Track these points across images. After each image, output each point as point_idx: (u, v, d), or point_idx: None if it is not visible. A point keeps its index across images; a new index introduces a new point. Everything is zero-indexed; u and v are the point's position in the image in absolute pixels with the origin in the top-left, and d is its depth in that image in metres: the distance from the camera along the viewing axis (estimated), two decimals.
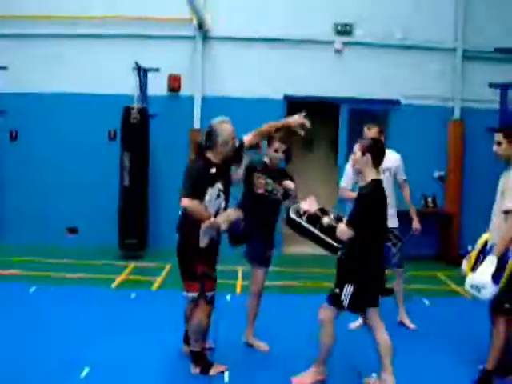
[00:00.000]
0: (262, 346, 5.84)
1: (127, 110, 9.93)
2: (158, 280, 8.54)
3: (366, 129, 6.62)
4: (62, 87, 10.60)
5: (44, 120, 10.71)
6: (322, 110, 11.61)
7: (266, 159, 5.76)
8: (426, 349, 5.99)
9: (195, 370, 5.18)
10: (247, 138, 5.42)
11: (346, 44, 10.97)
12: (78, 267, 9.13)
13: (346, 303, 4.68)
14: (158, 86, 10.57)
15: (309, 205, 4.94)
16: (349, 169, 6.28)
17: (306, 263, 9.92)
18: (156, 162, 10.54)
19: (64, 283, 8.17)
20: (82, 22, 10.58)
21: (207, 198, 4.97)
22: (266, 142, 5.72)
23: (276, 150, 5.65)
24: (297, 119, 5.62)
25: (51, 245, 10.20)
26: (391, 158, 6.49)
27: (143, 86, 10.37)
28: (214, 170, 5.00)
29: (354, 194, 5.19)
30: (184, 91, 10.84)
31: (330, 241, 4.79)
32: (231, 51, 10.85)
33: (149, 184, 10.38)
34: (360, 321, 5.87)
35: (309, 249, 10.22)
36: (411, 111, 10.64)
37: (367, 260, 4.67)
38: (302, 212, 4.92)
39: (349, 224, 4.66)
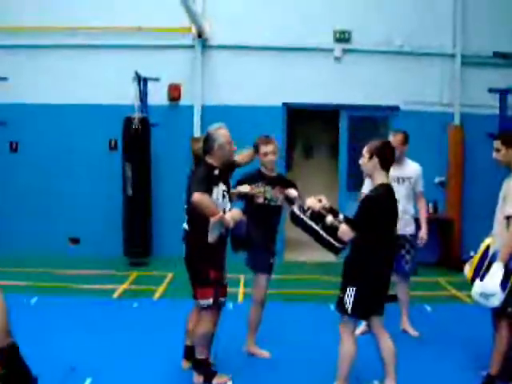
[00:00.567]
0: (264, 353, 5.83)
1: (128, 120, 9.97)
2: (160, 289, 8.54)
3: (391, 134, 6.63)
4: (62, 98, 10.66)
5: (45, 131, 10.74)
6: (322, 116, 11.67)
7: (261, 168, 5.81)
8: (429, 355, 5.98)
9: (198, 379, 5.16)
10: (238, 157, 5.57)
11: (345, 51, 11.00)
12: (80, 277, 9.15)
13: (348, 308, 4.60)
14: (158, 96, 10.62)
15: (313, 202, 4.91)
16: None
17: (307, 270, 9.92)
18: (158, 170, 10.57)
19: (66, 293, 8.17)
20: (81, 32, 10.63)
21: (214, 196, 5.01)
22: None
23: (265, 154, 5.71)
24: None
25: (53, 255, 10.21)
26: (413, 167, 6.59)
27: (143, 96, 10.40)
28: (216, 172, 5.07)
29: None
30: (184, 100, 10.88)
31: (331, 240, 4.71)
32: (230, 60, 10.89)
33: (151, 193, 10.41)
34: (364, 327, 5.86)
35: (310, 256, 10.32)
36: (411, 117, 10.65)
37: (370, 263, 4.58)
38: (305, 208, 4.91)
39: (350, 225, 4.58)
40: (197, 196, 4.82)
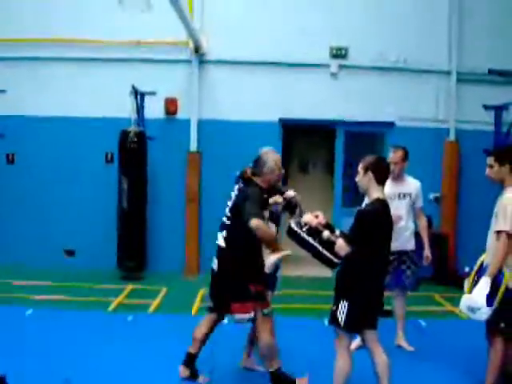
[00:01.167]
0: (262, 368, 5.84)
1: (124, 133, 9.99)
2: (155, 303, 8.53)
3: (391, 150, 6.68)
4: (59, 110, 10.68)
5: (41, 143, 10.76)
6: (318, 131, 11.71)
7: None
8: (424, 370, 5.99)
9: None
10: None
11: (341, 67, 11.06)
12: (75, 290, 9.14)
13: (341, 321, 4.62)
14: (155, 110, 10.66)
15: (310, 218, 4.95)
16: None
17: (303, 285, 9.93)
18: (154, 184, 10.58)
19: (61, 306, 8.16)
20: (79, 45, 10.67)
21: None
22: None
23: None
24: None
25: (49, 267, 10.20)
26: (413, 184, 6.65)
27: (140, 110, 10.44)
28: (265, 195, 5.22)
29: None
30: (181, 114, 10.91)
31: (328, 255, 4.73)
32: (227, 74, 10.94)
33: (147, 206, 10.42)
34: (358, 341, 5.86)
35: (306, 270, 10.32)
36: (406, 133, 10.67)
37: (363, 277, 4.60)
38: (303, 223, 4.94)
39: (346, 240, 4.61)
40: (256, 223, 4.88)
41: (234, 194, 5.22)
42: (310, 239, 4.84)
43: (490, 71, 11.02)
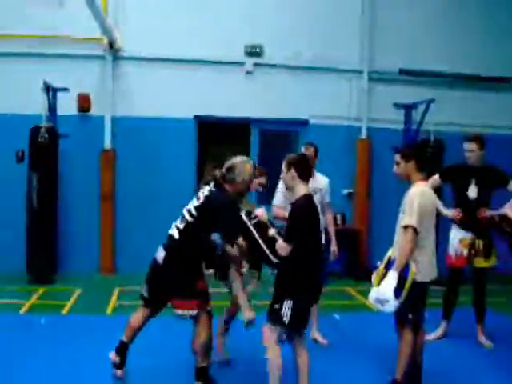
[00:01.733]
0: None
1: (35, 130, 9.72)
2: (68, 304, 8.36)
3: (303, 148, 6.80)
4: None
5: None
6: (232, 130, 11.75)
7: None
8: (338, 362, 6.13)
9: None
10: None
11: (256, 65, 11.15)
12: None
13: (286, 320, 4.64)
14: (67, 106, 10.39)
15: (262, 213, 4.97)
16: (280, 185, 6.41)
17: None
18: (66, 182, 10.35)
19: None
20: None
21: None
22: None
23: (261, 184, 6.19)
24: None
25: None
26: (321, 180, 6.77)
27: (52, 106, 10.19)
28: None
29: (286, 213, 5.16)
30: (94, 111, 10.71)
31: (267, 252, 4.79)
32: (142, 71, 10.82)
33: (58, 205, 10.18)
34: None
35: None
36: (320, 131, 10.88)
37: (305, 274, 4.66)
38: (253, 216, 4.95)
39: (287, 240, 4.64)
40: (231, 250, 5.02)
41: (202, 194, 5.10)
42: (255, 232, 4.88)
43: (401, 71, 11.35)
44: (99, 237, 10.60)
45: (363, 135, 11.36)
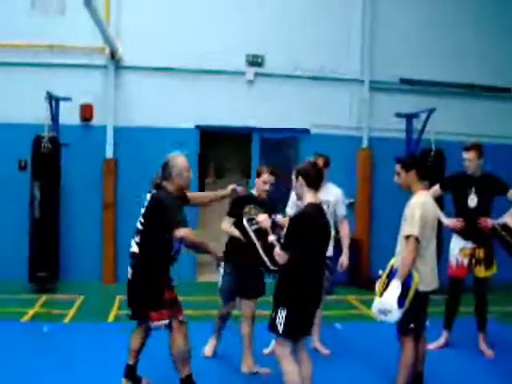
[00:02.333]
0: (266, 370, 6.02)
1: (38, 139, 9.75)
2: (71, 312, 8.37)
3: (312, 158, 6.75)
4: None
5: None
6: (234, 138, 11.79)
7: (254, 191, 6.12)
8: (340, 372, 6.13)
9: None
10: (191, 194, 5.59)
11: (257, 74, 11.19)
12: None
13: (280, 328, 4.63)
14: (70, 116, 10.44)
15: (264, 220, 4.97)
16: (292, 193, 6.44)
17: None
18: (69, 192, 10.37)
19: None
20: None
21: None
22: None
23: (264, 182, 6.03)
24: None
25: None
26: (331, 191, 6.72)
27: (55, 115, 10.22)
28: (179, 201, 5.18)
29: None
30: (97, 121, 10.75)
31: (265, 258, 4.81)
32: (144, 81, 10.86)
33: (60, 214, 10.21)
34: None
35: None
36: (321, 140, 10.87)
37: (301, 283, 4.62)
38: (254, 222, 4.95)
39: (282, 247, 4.62)
40: (182, 232, 4.89)
41: (146, 201, 5.17)
42: (255, 238, 4.88)
43: (402, 81, 11.40)
44: (101, 246, 10.61)
45: (364, 145, 11.40)
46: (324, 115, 11.19)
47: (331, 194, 6.69)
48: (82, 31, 10.10)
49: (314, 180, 4.82)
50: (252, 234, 4.97)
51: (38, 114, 9.80)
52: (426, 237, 5.13)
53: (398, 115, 11.33)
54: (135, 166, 10.62)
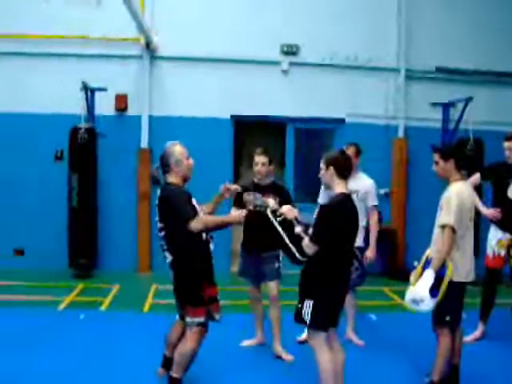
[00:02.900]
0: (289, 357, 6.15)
1: (74, 130, 9.87)
2: (107, 301, 8.47)
3: (344, 147, 6.70)
4: (8, 106, 10.45)
5: None
6: (269, 128, 11.77)
7: (254, 177, 6.23)
8: (374, 363, 6.08)
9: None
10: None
11: (292, 64, 11.13)
12: (25, 289, 9.00)
13: (307, 319, 4.59)
14: (105, 106, 10.55)
15: (288, 210, 4.94)
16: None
17: None
18: (104, 182, 10.48)
19: (10, 305, 8.02)
20: (29, 40, 10.47)
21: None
22: None
23: (256, 164, 6.15)
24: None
25: None
26: (362, 181, 6.65)
27: (90, 106, 10.32)
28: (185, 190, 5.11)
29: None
30: (132, 111, 10.83)
31: (293, 250, 4.70)
32: (179, 71, 10.89)
33: (98, 204, 10.33)
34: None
35: None
36: (356, 129, 10.82)
37: (328, 276, 4.56)
38: (278, 213, 4.92)
39: (312, 238, 4.53)
40: (194, 225, 4.74)
41: (156, 199, 5.08)
42: (281, 230, 4.84)
43: (438, 69, 11.26)
44: (137, 235, 10.71)
45: (400, 134, 11.28)
46: (359, 104, 11.09)
47: (361, 184, 6.61)
48: (118, 22, 10.15)
49: (344, 169, 4.74)
50: (277, 225, 4.91)
51: (74, 105, 9.92)
52: (463, 226, 5.06)
53: (434, 104, 11.20)
54: None
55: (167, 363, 5.35)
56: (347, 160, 4.82)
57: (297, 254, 4.70)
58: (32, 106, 10.45)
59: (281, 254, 6.05)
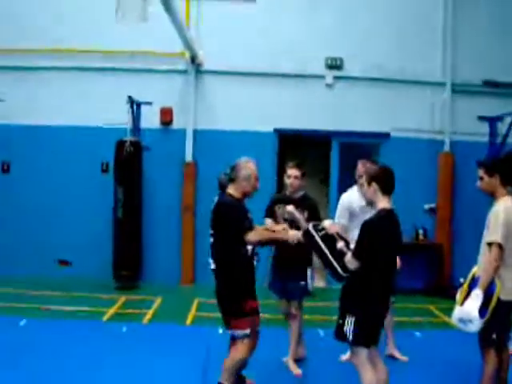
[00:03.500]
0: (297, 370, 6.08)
1: (120, 143, 10.00)
2: (149, 313, 8.52)
3: (359, 164, 6.66)
4: (54, 119, 10.67)
5: (37, 152, 10.76)
6: (314, 141, 11.73)
7: (286, 190, 6.21)
8: (418, 380, 5.99)
9: None
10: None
11: (336, 78, 11.11)
12: (69, 300, 9.11)
13: (349, 336, 4.53)
14: (150, 119, 10.69)
15: (330, 224, 4.89)
16: (344, 199, 6.57)
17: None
18: (149, 194, 10.58)
19: (55, 316, 8.13)
20: (76, 54, 10.69)
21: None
22: None
23: (288, 177, 6.14)
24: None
25: (43, 277, 10.18)
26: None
27: (136, 119, 10.46)
28: (243, 204, 5.13)
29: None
30: (176, 124, 10.93)
31: (335, 265, 4.62)
32: (223, 85, 10.97)
33: (142, 216, 10.42)
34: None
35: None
36: (401, 144, 10.74)
37: (371, 290, 4.51)
38: (320, 227, 4.87)
39: (353, 254, 4.50)
40: (249, 238, 4.87)
41: (212, 206, 5.13)
42: (323, 245, 4.78)
43: (485, 83, 11.09)
44: (180, 248, 10.76)
45: (446, 148, 11.12)
46: (405, 119, 10.99)
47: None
48: (163, 37, 10.25)
49: (389, 186, 4.69)
50: (319, 240, 4.84)
51: (120, 118, 10.06)
52: (510, 243, 4.94)
53: (481, 118, 11.03)
54: (214, 168, 10.60)
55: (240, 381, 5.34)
56: (391, 174, 4.76)
57: (339, 269, 4.63)
58: (78, 118, 10.64)
59: (309, 271, 6.08)
